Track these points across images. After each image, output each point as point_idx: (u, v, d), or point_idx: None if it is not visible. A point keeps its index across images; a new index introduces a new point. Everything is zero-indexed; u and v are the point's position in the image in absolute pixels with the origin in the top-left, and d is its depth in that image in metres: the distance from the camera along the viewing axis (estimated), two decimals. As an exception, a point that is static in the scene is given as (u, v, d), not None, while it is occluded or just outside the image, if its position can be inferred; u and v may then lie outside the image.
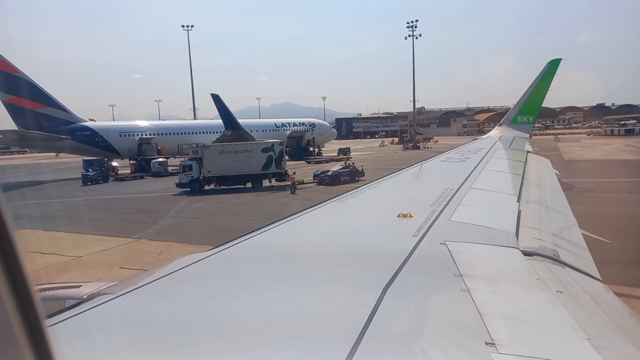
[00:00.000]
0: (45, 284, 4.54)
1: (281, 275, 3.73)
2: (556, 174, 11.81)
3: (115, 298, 3.18)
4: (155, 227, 26.29)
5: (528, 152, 14.72)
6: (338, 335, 2.51)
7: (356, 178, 39.66)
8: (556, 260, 4.39)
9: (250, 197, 36.53)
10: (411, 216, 5.31)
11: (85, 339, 2.71)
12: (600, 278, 4.33)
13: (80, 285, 4.24)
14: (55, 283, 4.56)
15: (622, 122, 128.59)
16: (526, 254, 4.27)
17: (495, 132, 21.67)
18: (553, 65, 20.32)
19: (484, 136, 22.79)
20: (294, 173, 41.26)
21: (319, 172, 41.97)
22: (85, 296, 3.81)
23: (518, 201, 6.74)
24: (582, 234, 5.99)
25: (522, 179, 9.18)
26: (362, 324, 2.54)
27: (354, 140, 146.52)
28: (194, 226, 26.61)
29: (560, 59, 20.39)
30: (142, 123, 70.28)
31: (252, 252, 4.54)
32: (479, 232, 4.93)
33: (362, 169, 42.04)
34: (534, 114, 21.47)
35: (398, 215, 5.37)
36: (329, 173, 40.23)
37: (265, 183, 42.10)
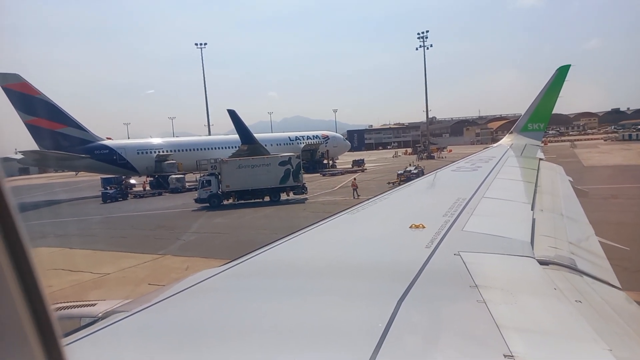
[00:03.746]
0: (60, 302, 4.57)
1: (295, 289, 3.71)
2: (570, 180, 11.59)
3: (130, 316, 3.17)
4: (179, 243, 26.47)
5: (540, 159, 14.49)
6: (354, 348, 2.48)
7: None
8: (573, 268, 4.30)
9: (269, 211, 36.66)
10: (424, 227, 5.24)
11: (101, 357, 2.71)
12: (620, 286, 4.23)
13: (96, 304, 4.24)
14: (70, 302, 4.57)
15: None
16: (542, 263, 4.18)
17: (506, 140, 21.35)
18: (562, 72, 20.05)
19: (495, 144, 22.52)
20: (355, 179, 44.69)
21: (401, 172, 49.14)
22: (100, 314, 3.79)
23: (532, 209, 6.63)
24: (599, 241, 5.87)
25: (535, 186, 9.04)
26: (377, 337, 2.50)
27: (367, 151, 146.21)
28: (217, 241, 26.73)
29: (569, 66, 20.10)
30: (159, 140, 71.26)
31: (265, 266, 4.53)
32: (493, 242, 4.85)
33: (424, 169, 46.55)
34: (544, 121, 21.20)
35: (410, 226, 5.31)
36: (415, 171, 47.47)
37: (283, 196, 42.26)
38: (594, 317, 3.10)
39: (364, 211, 7.05)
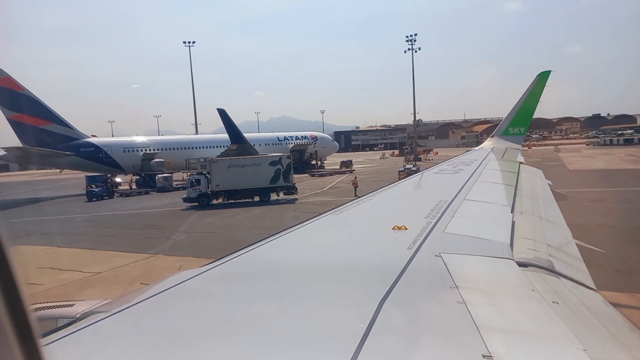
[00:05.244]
0: (37, 303, 4.42)
1: (276, 291, 3.68)
2: (549, 184, 11.77)
3: (109, 316, 3.12)
4: (170, 242, 26.16)
5: (520, 163, 14.66)
6: (335, 350, 2.50)
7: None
8: (551, 270, 4.39)
9: (260, 211, 36.47)
10: (406, 228, 5.27)
11: (79, 359, 2.68)
12: (595, 287, 4.35)
13: (74, 304, 4.15)
14: (48, 302, 4.46)
15: (620, 132, 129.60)
16: (521, 265, 4.25)
17: (488, 143, 21.61)
18: (543, 78, 20.35)
19: (476, 147, 22.75)
20: (356, 177, 45.41)
21: (402, 169, 52.50)
22: (78, 315, 3.71)
23: (512, 212, 6.71)
24: (576, 243, 5.99)
25: (515, 189, 9.14)
26: (359, 338, 2.52)
27: (354, 152, 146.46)
28: (208, 241, 26.49)
29: (550, 71, 20.42)
30: (146, 138, 70.31)
31: (246, 267, 4.47)
32: (473, 243, 4.91)
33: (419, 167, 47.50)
34: (525, 126, 21.58)
35: (393, 228, 5.33)
36: (414, 168, 50.13)
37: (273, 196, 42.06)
38: (570, 318, 3.17)
39: (348, 212, 7.03)
